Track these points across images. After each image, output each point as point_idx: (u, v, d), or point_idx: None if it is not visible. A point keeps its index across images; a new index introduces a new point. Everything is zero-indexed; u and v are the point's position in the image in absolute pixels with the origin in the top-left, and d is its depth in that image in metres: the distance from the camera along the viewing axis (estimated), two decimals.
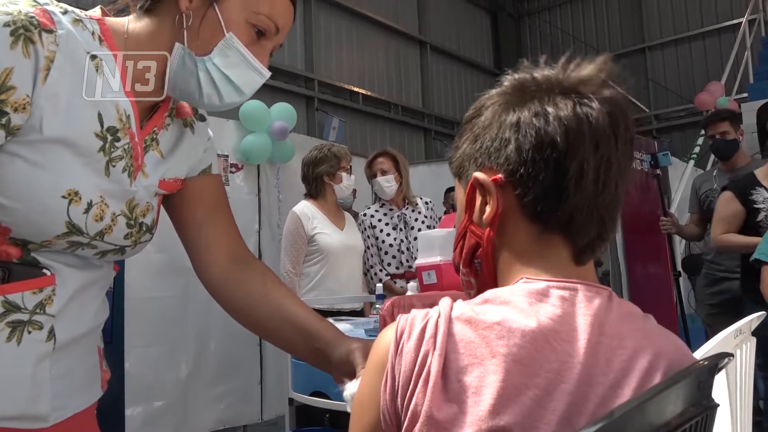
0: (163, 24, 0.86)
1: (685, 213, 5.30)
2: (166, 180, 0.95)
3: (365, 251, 3.12)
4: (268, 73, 0.90)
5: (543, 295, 0.62)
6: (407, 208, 3.18)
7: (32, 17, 0.75)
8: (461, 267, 0.73)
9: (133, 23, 0.88)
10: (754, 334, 1.54)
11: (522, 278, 0.65)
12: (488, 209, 0.66)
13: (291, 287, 2.91)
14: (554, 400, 0.57)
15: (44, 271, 0.82)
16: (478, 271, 0.71)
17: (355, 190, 4.19)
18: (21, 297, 0.79)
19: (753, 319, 1.51)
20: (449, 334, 0.61)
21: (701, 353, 1.26)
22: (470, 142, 0.70)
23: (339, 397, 1.95)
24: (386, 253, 3.11)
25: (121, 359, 3.02)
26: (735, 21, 9.25)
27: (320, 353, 0.93)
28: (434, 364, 0.59)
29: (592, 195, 0.63)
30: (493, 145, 0.66)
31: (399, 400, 0.61)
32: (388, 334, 0.65)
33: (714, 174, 3.47)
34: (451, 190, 5.39)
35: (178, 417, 3.42)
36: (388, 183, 3.09)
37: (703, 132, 4.26)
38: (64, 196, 0.79)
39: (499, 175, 0.65)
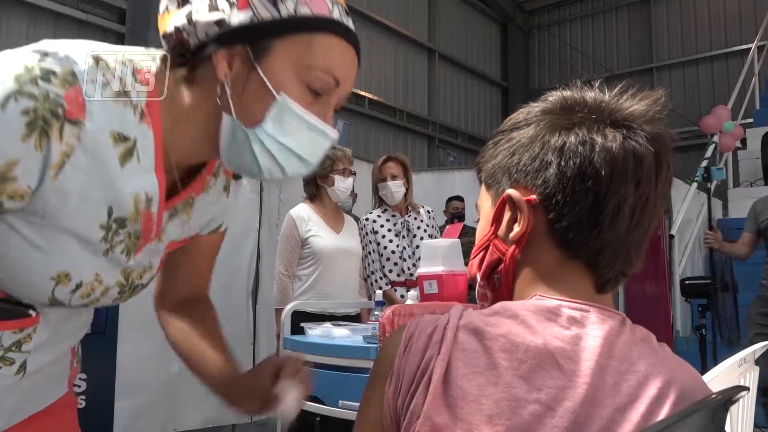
0: (207, 93, 0.75)
1: (686, 234, 5.31)
2: (177, 240, 0.89)
3: (366, 257, 3.08)
4: (335, 134, 0.78)
5: (554, 313, 0.62)
6: (410, 215, 3.15)
7: (59, 105, 0.65)
8: (479, 279, 0.72)
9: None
10: (757, 363, 1.53)
11: (536, 295, 0.65)
12: (517, 228, 0.66)
13: (284, 290, 2.89)
14: (556, 416, 0.57)
15: (30, 312, 0.77)
16: (495, 285, 0.70)
17: (356, 194, 4.17)
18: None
19: (757, 348, 1.51)
20: (455, 341, 0.62)
21: (706, 381, 1.25)
22: (507, 155, 0.68)
23: (331, 401, 1.93)
24: (388, 259, 3.07)
25: (114, 352, 3.00)
26: (744, 46, 9.27)
27: (225, 385, 0.92)
28: (437, 368, 0.60)
29: (624, 232, 0.63)
30: (532, 165, 0.65)
31: (400, 400, 0.63)
32: (398, 335, 0.67)
33: None
34: (452, 199, 5.36)
35: (167, 413, 3.40)
36: (397, 188, 3.06)
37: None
38: (53, 278, 0.74)
39: (534, 196, 0.65)
